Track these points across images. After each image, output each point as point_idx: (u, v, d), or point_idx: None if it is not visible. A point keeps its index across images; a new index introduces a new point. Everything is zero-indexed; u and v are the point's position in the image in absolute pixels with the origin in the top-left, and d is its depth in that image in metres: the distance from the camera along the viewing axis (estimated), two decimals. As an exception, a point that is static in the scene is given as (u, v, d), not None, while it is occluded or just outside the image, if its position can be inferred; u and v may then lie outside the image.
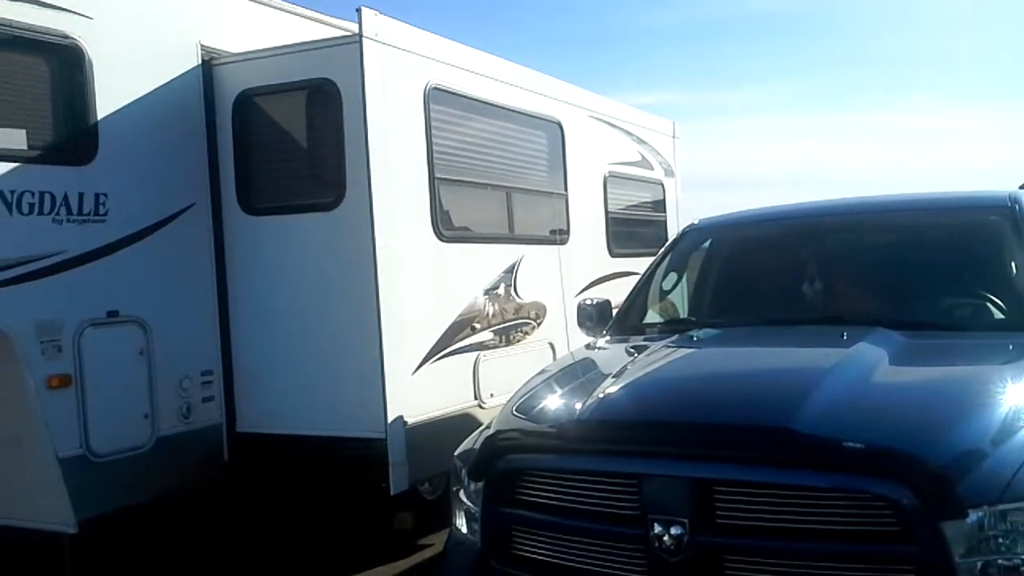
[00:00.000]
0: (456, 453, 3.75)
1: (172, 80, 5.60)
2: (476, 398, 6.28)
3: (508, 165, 6.94)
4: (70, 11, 4.96)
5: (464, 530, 3.54)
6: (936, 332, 3.94)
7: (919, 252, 4.71)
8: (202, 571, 5.77)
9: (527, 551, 3.27)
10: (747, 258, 5.23)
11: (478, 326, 6.34)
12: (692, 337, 4.25)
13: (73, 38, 4.99)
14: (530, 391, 3.82)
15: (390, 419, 5.38)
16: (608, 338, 4.75)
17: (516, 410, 3.65)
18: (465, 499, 3.52)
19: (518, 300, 6.84)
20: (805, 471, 2.79)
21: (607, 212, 8.47)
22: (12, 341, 4.70)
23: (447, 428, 5.61)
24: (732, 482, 2.86)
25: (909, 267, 4.57)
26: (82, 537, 4.94)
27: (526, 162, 7.26)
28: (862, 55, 46.58)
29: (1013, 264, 4.35)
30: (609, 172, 8.53)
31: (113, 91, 5.20)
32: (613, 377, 3.58)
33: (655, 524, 2.88)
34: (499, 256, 6.69)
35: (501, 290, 6.65)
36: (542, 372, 4.19)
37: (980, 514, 2.63)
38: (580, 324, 5.06)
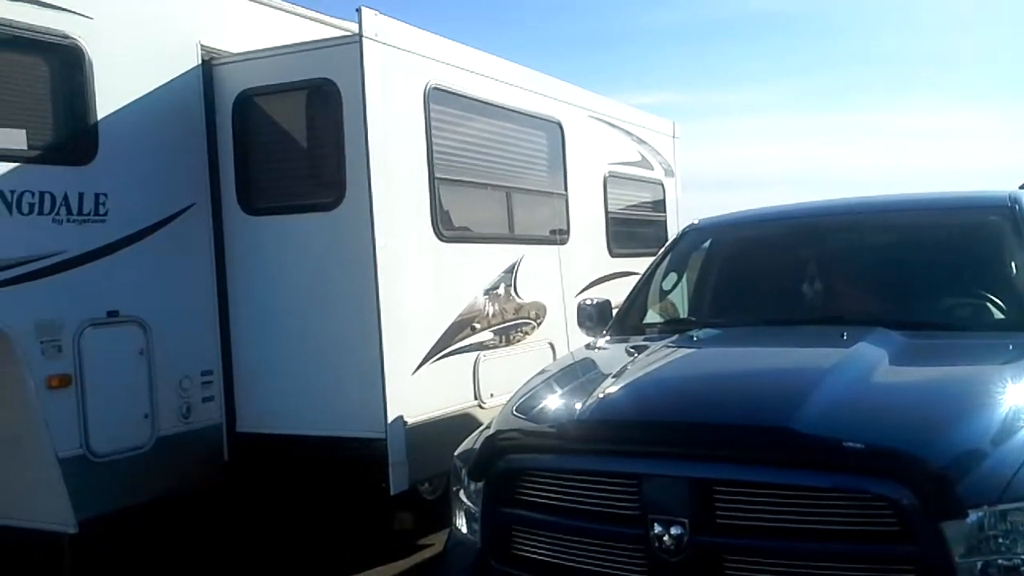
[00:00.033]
0: (456, 453, 3.75)
1: (172, 80, 5.60)
2: (476, 398, 6.28)
3: (508, 165, 6.94)
4: (70, 11, 4.96)
5: (464, 530, 3.54)
6: (936, 332, 3.94)
7: (919, 252, 4.71)
8: (202, 571, 5.77)
9: (527, 551, 3.27)
10: (747, 258, 5.23)
11: (478, 326, 6.34)
12: (692, 337, 4.25)
13: (73, 38, 4.99)
14: (530, 391, 3.82)
15: (390, 419, 5.38)
16: (608, 338, 4.75)
17: (516, 410, 3.65)
18: (465, 499, 3.52)
19: (518, 300, 6.84)
20: (805, 471, 2.79)
21: (607, 212, 8.47)
22: (12, 341, 4.70)
23: (447, 428, 5.61)
24: (732, 482, 2.86)
25: (909, 267, 4.57)
26: (82, 537, 4.94)
27: (526, 162, 7.26)
28: (862, 55, 46.62)
29: (1013, 264, 4.35)
30: (609, 172, 8.53)
31: (113, 91, 5.20)
32: (613, 377, 3.58)
33: (655, 524, 2.88)
34: (499, 256, 6.69)
35: (501, 290, 6.65)
36: (542, 372, 4.19)
37: (980, 514, 2.63)
38: (580, 324, 5.06)
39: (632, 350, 4.24)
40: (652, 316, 5.14)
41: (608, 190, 8.49)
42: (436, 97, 6.00)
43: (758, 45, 49.22)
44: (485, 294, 6.45)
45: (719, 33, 46.19)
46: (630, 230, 8.94)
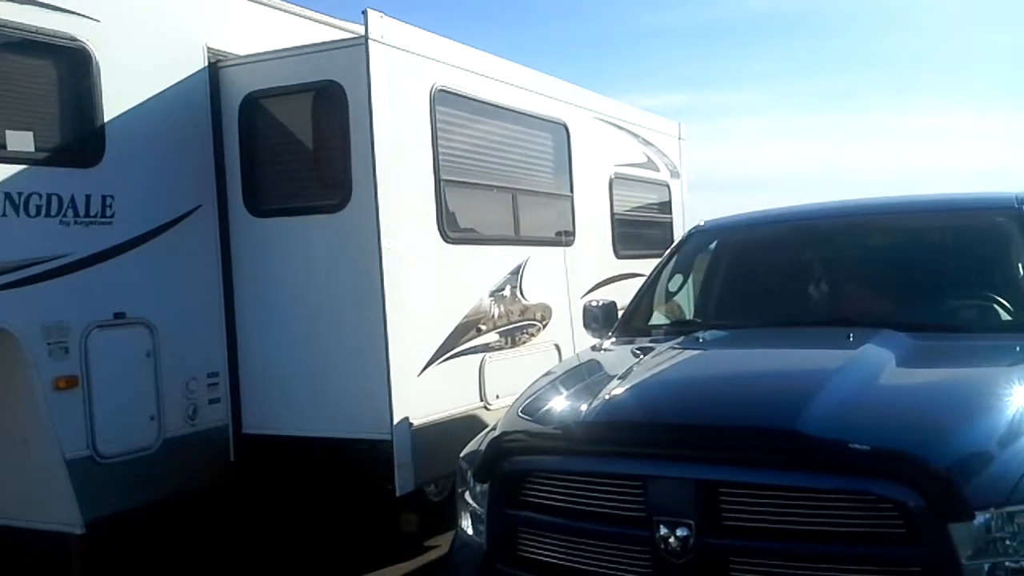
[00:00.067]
0: (462, 455, 3.75)
1: (178, 82, 5.62)
2: (482, 400, 6.28)
3: (514, 167, 6.94)
4: (77, 14, 4.99)
5: (470, 532, 3.54)
6: (943, 334, 3.93)
7: (925, 254, 4.70)
8: (208, 572, 5.79)
9: (533, 553, 3.26)
10: (753, 260, 5.22)
11: (484, 328, 6.35)
12: (698, 339, 4.24)
13: (80, 41, 5.01)
14: (536, 392, 3.82)
15: (396, 421, 5.38)
16: (614, 340, 4.75)
17: (522, 411, 3.65)
18: (471, 501, 3.52)
19: (524, 302, 6.83)
20: (811, 473, 2.78)
21: (613, 214, 8.47)
22: (19, 342, 4.73)
23: (453, 430, 5.61)
24: (738, 484, 2.86)
25: (916, 269, 4.56)
26: (89, 538, 4.96)
27: (532, 164, 7.26)
28: (866, 56, 46.61)
29: (1020, 265, 4.34)
30: (615, 174, 8.53)
31: (120, 93, 5.22)
32: (619, 379, 3.58)
33: (661, 526, 2.88)
34: (505, 258, 6.69)
35: (507, 292, 6.65)
36: (548, 374, 4.18)
37: (987, 516, 2.62)
38: (586, 326, 5.05)
39: (638, 352, 4.24)
40: (658, 318, 5.13)
41: (614, 192, 8.48)
42: (442, 99, 6.00)
43: (761, 46, 49.28)
44: (491, 296, 6.46)
45: (723, 34, 46.26)
46: (636, 232, 8.93)
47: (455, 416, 5.93)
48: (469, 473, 3.55)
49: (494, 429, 3.67)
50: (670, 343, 4.17)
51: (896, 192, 5.36)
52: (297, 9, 6.54)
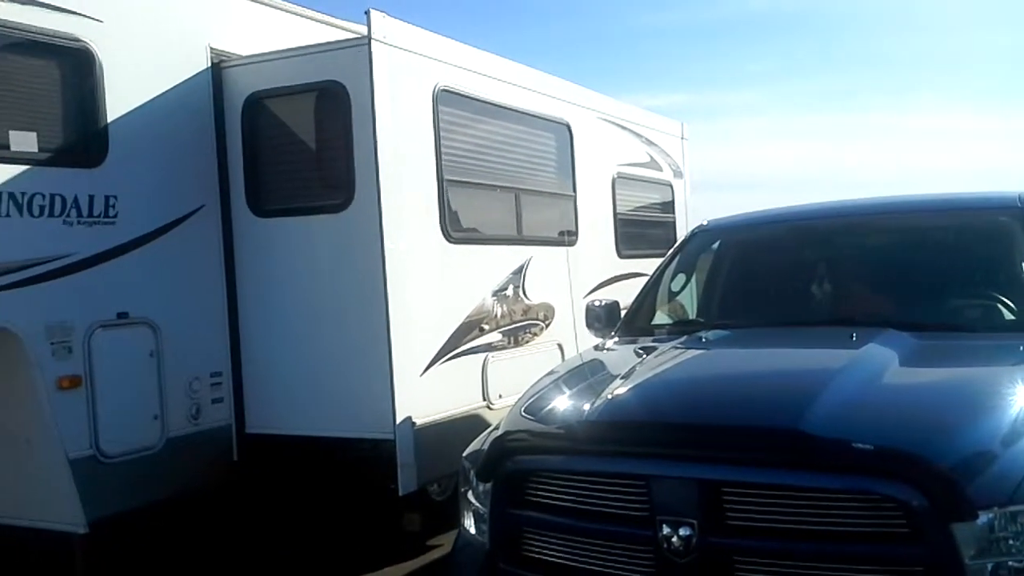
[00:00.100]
0: (464, 454, 3.75)
1: (182, 83, 5.63)
2: (485, 399, 6.28)
3: (517, 167, 6.94)
4: (80, 14, 4.99)
5: (472, 531, 3.54)
6: (946, 333, 3.93)
7: (929, 253, 4.70)
8: (212, 571, 5.79)
9: (536, 552, 3.27)
10: (756, 259, 5.22)
11: (487, 327, 6.35)
12: (701, 338, 4.24)
13: (83, 41, 5.01)
14: (539, 392, 3.82)
15: (399, 420, 5.39)
16: (617, 339, 4.75)
17: (525, 411, 3.65)
18: (474, 500, 3.52)
19: (526, 301, 6.84)
20: (814, 472, 2.78)
21: (616, 213, 8.46)
22: (23, 342, 4.73)
23: (456, 429, 5.61)
24: (741, 483, 2.86)
25: (919, 268, 4.56)
26: (93, 537, 4.96)
27: (535, 164, 7.26)
28: (868, 55, 46.50)
29: (1023, 264, 4.33)
30: (618, 173, 8.53)
31: (123, 94, 5.23)
32: (622, 378, 3.58)
33: (664, 525, 2.88)
34: (508, 257, 6.69)
35: (510, 291, 6.65)
36: (551, 373, 4.19)
37: (990, 516, 2.62)
38: (589, 325, 5.05)
39: (641, 351, 4.24)
40: (661, 317, 5.13)
41: (617, 191, 8.48)
42: (444, 99, 6.01)
43: (761, 46, 49.19)
44: (493, 295, 6.46)
45: (722, 34, 46.19)
46: (639, 231, 8.93)
47: (458, 416, 5.93)
48: (472, 472, 3.55)
49: (497, 428, 3.67)
50: (673, 343, 4.18)
51: (896, 192, 5.35)
52: (300, 9, 6.54)
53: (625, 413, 3.30)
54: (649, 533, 2.92)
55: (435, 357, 5.82)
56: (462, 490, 3.67)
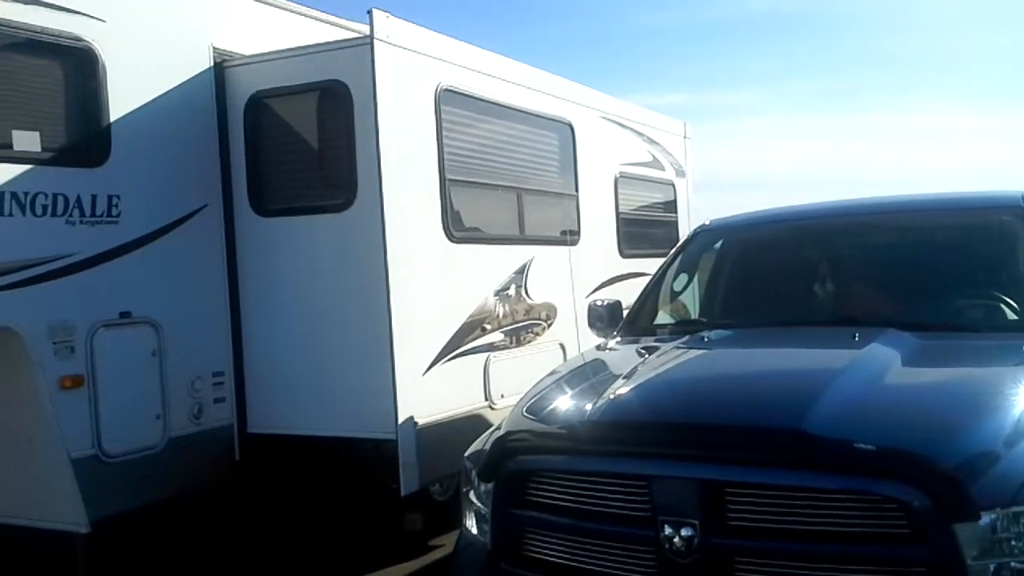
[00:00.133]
0: (466, 454, 3.75)
1: (184, 82, 5.63)
2: (487, 399, 6.28)
3: (519, 166, 6.94)
4: (83, 14, 4.99)
5: (474, 531, 3.54)
6: (949, 333, 3.92)
7: (931, 253, 4.69)
8: (213, 571, 5.80)
9: (537, 552, 3.27)
10: (758, 259, 5.21)
11: (489, 327, 6.35)
12: (703, 338, 4.24)
13: (86, 41, 5.02)
14: (540, 392, 3.82)
15: (401, 420, 5.39)
16: (619, 339, 4.74)
17: (526, 411, 3.65)
18: (475, 500, 3.52)
19: (529, 301, 6.83)
20: (816, 473, 2.78)
21: (618, 213, 8.46)
22: (25, 342, 4.74)
23: (458, 429, 5.61)
24: (743, 484, 2.85)
25: (921, 268, 4.55)
26: (95, 537, 4.97)
27: (537, 163, 7.26)
28: (868, 55, 46.45)
29: (1026, 264, 4.33)
30: (620, 173, 8.52)
31: (126, 93, 5.23)
32: (624, 378, 3.58)
33: (665, 526, 2.88)
34: (510, 257, 6.69)
35: (512, 291, 6.65)
36: (553, 373, 4.18)
37: (993, 516, 2.62)
38: (591, 325, 5.05)
39: (643, 351, 4.24)
40: (663, 317, 5.13)
41: (619, 191, 8.48)
42: (447, 99, 6.01)
43: (761, 46, 49.14)
44: (496, 295, 6.46)
45: (725, 34, 46.13)
46: (641, 231, 8.92)
47: (460, 415, 5.93)
48: (474, 472, 3.55)
49: (499, 428, 3.67)
50: (675, 342, 4.17)
51: (897, 191, 5.33)
52: (302, 9, 6.55)
53: (627, 413, 3.30)
54: (651, 533, 2.92)
55: (437, 357, 5.82)
56: (464, 490, 3.67)
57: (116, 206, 5.17)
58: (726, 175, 36.81)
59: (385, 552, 5.85)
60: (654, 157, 9.38)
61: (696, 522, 2.84)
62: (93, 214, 5.05)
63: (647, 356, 4.04)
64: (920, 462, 2.71)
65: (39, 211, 4.78)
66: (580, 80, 7.94)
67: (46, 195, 4.81)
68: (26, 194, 4.72)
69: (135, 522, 5.23)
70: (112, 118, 5.15)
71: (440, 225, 5.91)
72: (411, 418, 5.46)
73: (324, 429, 5.73)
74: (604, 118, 8.26)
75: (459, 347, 6.03)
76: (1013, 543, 2.63)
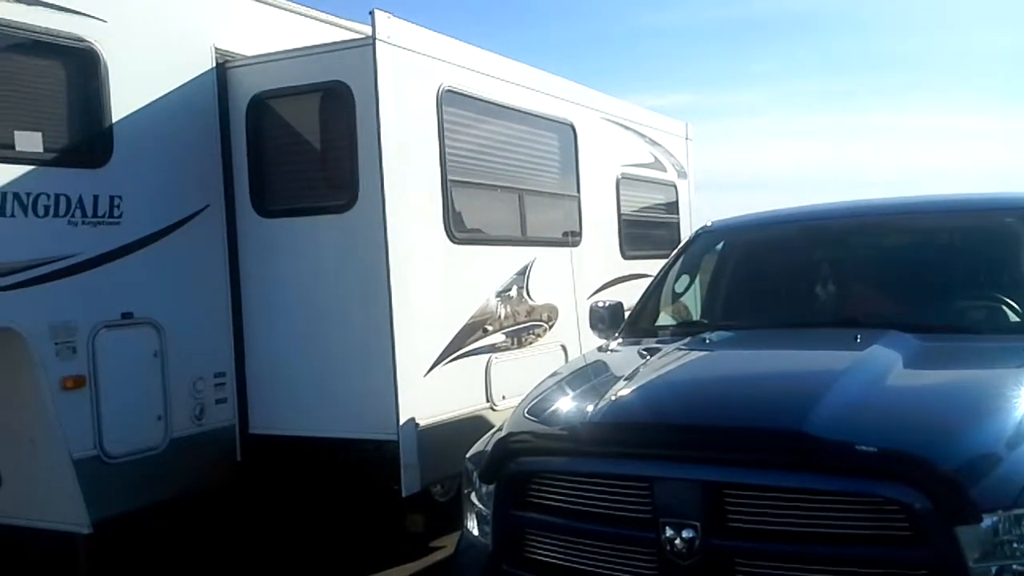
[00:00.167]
0: (468, 455, 3.75)
1: (186, 83, 5.63)
2: (488, 400, 6.28)
3: (520, 167, 6.94)
4: (85, 15, 4.99)
5: (475, 532, 3.54)
6: (951, 335, 3.92)
7: (933, 254, 4.69)
8: (215, 571, 5.80)
9: (538, 554, 3.27)
10: (760, 260, 5.21)
11: (490, 328, 6.34)
12: (705, 340, 4.23)
13: (88, 41, 5.02)
14: (542, 393, 3.82)
15: (402, 421, 5.39)
16: (620, 340, 4.74)
17: (528, 412, 3.65)
18: (476, 501, 3.52)
19: (530, 302, 6.83)
20: (817, 475, 2.78)
21: (620, 214, 8.46)
22: (27, 342, 4.74)
23: (459, 430, 5.61)
24: (744, 486, 2.86)
25: (923, 269, 4.55)
26: (97, 538, 4.97)
27: (538, 164, 7.26)
28: (868, 56, 46.38)
29: (1029, 266, 4.33)
30: (622, 174, 8.52)
31: (128, 94, 5.23)
32: (625, 379, 3.58)
33: (667, 527, 2.88)
34: (511, 258, 6.69)
35: (513, 292, 6.65)
36: (554, 374, 4.18)
37: (995, 519, 2.62)
38: (592, 326, 5.05)
39: (644, 352, 4.24)
40: (665, 318, 5.13)
41: (621, 192, 8.47)
42: (449, 99, 6.01)
43: (762, 46, 49.06)
44: (497, 296, 6.46)
45: (725, 34, 46.06)
46: (643, 232, 8.92)
47: (461, 417, 5.93)
48: (475, 474, 3.55)
49: (500, 430, 3.67)
50: (676, 344, 4.17)
51: (898, 192, 5.34)
52: (304, 10, 6.55)
53: (628, 415, 3.30)
54: (652, 535, 2.92)
55: (439, 358, 5.81)
56: (465, 491, 3.67)
57: (118, 207, 5.17)
58: (726, 175, 36.80)
59: (386, 553, 5.85)
60: (656, 158, 9.38)
61: (697, 524, 2.84)
62: (95, 215, 5.05)
63: (649, 358, 4.03)
64: (921, 464, 2.71)
65: (41, 212, 4.78)
66: (581, 81, 7.95)
67: (48, 196, 4.81)
68: (28, 195, 4.72)
69: (137, 523, 5.23)
70: (114, 119, 5.16)
71: (442, 226, 5.91)
72: (412, 419, 5.46)
73: (326, 430, 5.73)
74: (606, 119, 8.25)
75: (461, 348, 6.03)
76: (1015, 545, 2.62)
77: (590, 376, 4.08)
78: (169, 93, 5.51)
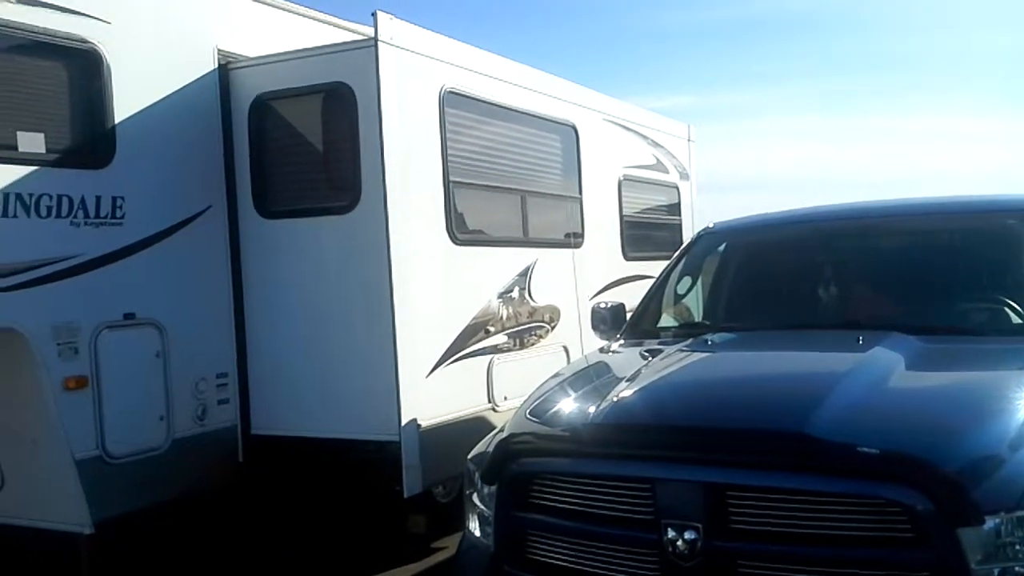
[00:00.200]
0: (469, 456, 3.75)
1: (189, 84, 5.64)
2: (490, 401, 6.28)
3: (523, 168, 6.94)
4: (88, 16, 5.00)
5: (477, 533, 3.54)
6: (953, 337, 3.92)
7: (935, 256, 4.69)
8: (217, 572, 5.80)
9: (540, 555, 3.27)
10: (762, 262, 5.21)
11: (492, 329, 6.35)
12: (706, 341, 4.23)
13: (91, 42, 5.03)
14: (544, 394, 3.82)
15: (404, 422, 5.39)
16: (622, 342, 4.74)
17: (530, 413, 3.65)
18: (478, 502, 3.52)
19: (532, 303, 6.83)
20: (819, 476, 2.78)
21: (622, 215, 8.46)
22: (29, 343, 4.74)
23: (461, 431, 5.61)
24: (746, 487, 2.85)
25: (925, 271, 4.54)
26: (99, 538, 4.97)
27: (541, 165, 7.26)
28: (868, 57, 46.37)
29: (1031, 268, 4.32)
30: (624, 175, 8.52)
31: (130, 95, 5.24)
32: (627, 381, 3.58)
33: (669, 529, 2.88)
34: (513, 259, 6.69)
35: (515, 293, 6.65)
36: (556, 375, 4.18)
37: (997, 521, 2.61)
38: (594, 327, 5.05)
39: (646, 354, 4.24)
40: (666, 320, 5.13)
41: (623, 193, 8.47)
42: (451, 101, 6.01)
43: (762, 48, 49.02)
44: (499, 297, 6.46)
45: (727, 35, 46.03)
46: (645, 233, 8.92)
47: (463, 417, 5.93)
48: (477, 475, 3.55)
49: (502, 431, 3.67)
50: (678, 346, 4.17)
51: (898, 193, 5.34)
52: (307, 11, 6.56)
53: (630, 416, 3.30)
54: (654, 536, 2.92)
55: (441, 359, 5.82)
56: (467, 492, 3.67)
57: (120, 207, 5.18)
58: (727, 176, 36.78)
59: (388, 554, 5.85)
60: (658, 160, 9.38)
61: (699, 525, 2.84)
62: (97, 215, 5.06)
63: (650, 359, 4.04)
64: (923, 466, 2.71)
65: (44, 212, 4.79)
66: (583, 82, 7.95)
67: (51, 196, 4.82)
68: (31, 195, 4.72)
69: (139, 523, 5.23)
70: (117, 119, 5.16)
71: (444, 227, 5.92)
72: (414, 420, 5.46)
73: (327, 431, 5.73)
74: (608, 120, 8.25)
75: (463, 349, 6.03)
76: (1017, 547, 2.62)
77: (592, 377, 4.07)
78: (172, 94, 5.52)
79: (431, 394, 5.65)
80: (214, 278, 5.81)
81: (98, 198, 5.06)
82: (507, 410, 5.89)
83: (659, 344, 4.44)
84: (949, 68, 48.30)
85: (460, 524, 3.79)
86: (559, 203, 7.44)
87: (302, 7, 6.53)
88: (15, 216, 4.65)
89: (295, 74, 5.77)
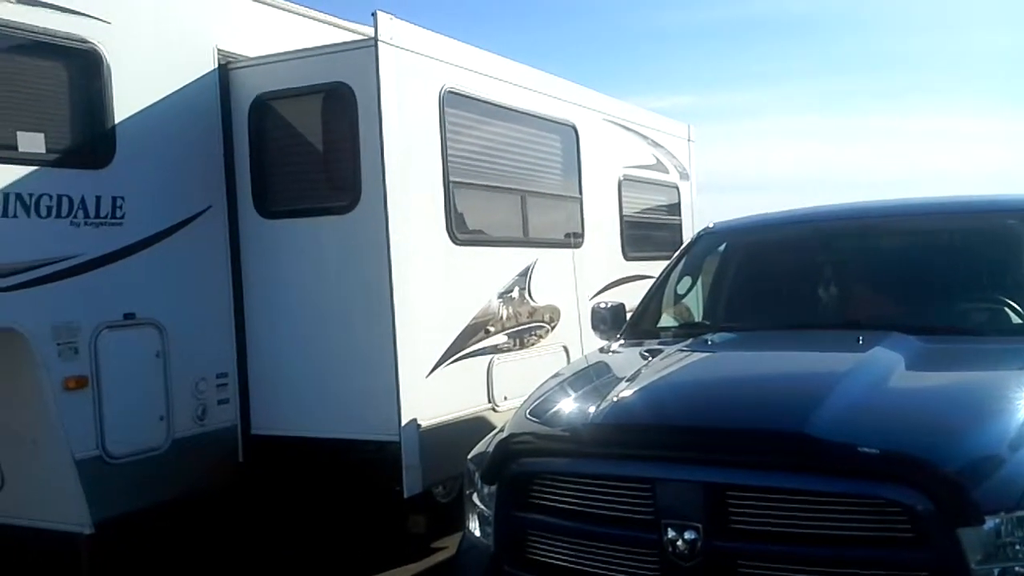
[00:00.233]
0: (469, 456, 3.75)
1: (189, 84, 5.64)
2: (490, 401, 6.28)
3: (523, 168, 6.94)
4: (88, 16, 5.00)
5: (477, 533, 3.54)
6: (953, 337, 3.92)
7: (935, 256, 4.69)
8: (217, 572, 5.80)
9: (540, 555, 3.27)
10: (762, 262, 5.21)
11: (492, 329, 6.35)
12: (706, 341, 4.23)
13: (91, 42, 5.03)
14: (544, 394, 3.82)
15: (404, 422, 5.39)
16: (622, 342, 4.74)
17: (530, 413, 3.65)
18: (478, 502, 3.52)
19: (532, 303, 6.83)
20: (819, 476, 2.78)
21: (622, 215, 8.46)
22: (29, 343, 4.74)
23: (461, 431, 5.61)
24: (746, 487, 2.85)
25: (925, 271, 4.54)
26: (99, 538, 4.97)
27: (541, 165, 7.26)
28: (868, 57, 46.38)
29: (1032, 268, 4.32)
30: (624, 175, 8.52)
31: (130, 95, 5.24)
32: (627, 381, 3.58)
33: (669, 529, 2.88)
34: (513, 259, 6.69)
35: (515, 293, 6.65)
36: (556, 375, 4.18)
37: (997, 521, 2.61)
38: (594, 328, 5.05)
39: (646, 354, 4.24)
40: (666, 320, 5.13)
41: (623, 193, 8.47)
42: (451, 101, 6.01)
43: (762, 48, 49.03)
44: (499, 297, 6.46)
45: (727, 35, 46.03)
46: (645, 233, 8.92)
47: (463, 418, 5.93)
48: (477, 475, 3.55)
49: (502, 431, 3.67)
50: (678, 346, 4.17)
51: (898, 193, 5.34)
52: (307, 11, 6.56)
53: (630, 416, 3.30)
54: (654, 536, 2.92)
55: (441, 359, 5.82)
56: (467, 492, 3.67)
57: (120, 207, 5.18)
58: (727, 176, 36.78)
59: (388, 554, 5.85)
60: (658, 160, 9.38)
61: (699, 525, 2.84)
62: (97, 215, 5.06)
63: (650, 359, 4.04)
64: (923, 466, 2.71)
65: (44, 212, 4.79)
66: (583, 82, 7.95)
67: (51, 196, 4.82)
68: (31, 195, 4.72)
69: (139, 523, 5.23)
70: (117, 120, 5.16)
71: (444, 227, 5.92)
72: (414, 420, 5.46)
73: (327, 431, 5.73)
74: (608, 120, 8.26)
75: (463, 349, 6.03)
76: (1017, 547, 2.62)
77: (592, 377, 4.07)
78: (172, 94, 5.52)
79: (431, 394, 5.65)
80: (214, 278, 5.81)
81: (98, 198, 5.06)
82: (507, 410, 5.89)
83: (659, 344, 4.44)
84: (949, 68, 48.31)
85: (460, 524, 3.79)
86: (559, 203, 7.44)
87: (302, 7, 6.53)
88: (15, 216, 4.65)
89: (295, 74, 5.77)
